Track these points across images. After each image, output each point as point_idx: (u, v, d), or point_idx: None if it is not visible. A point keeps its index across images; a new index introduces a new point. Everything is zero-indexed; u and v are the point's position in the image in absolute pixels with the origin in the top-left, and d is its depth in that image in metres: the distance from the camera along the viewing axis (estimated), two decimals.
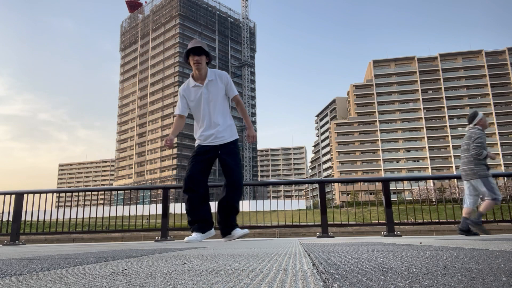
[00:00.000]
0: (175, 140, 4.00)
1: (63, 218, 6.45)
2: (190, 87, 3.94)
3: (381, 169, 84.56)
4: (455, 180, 6.09)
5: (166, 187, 5.76)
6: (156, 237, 5.38)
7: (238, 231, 3.94)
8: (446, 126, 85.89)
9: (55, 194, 6.55)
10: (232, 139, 3.99)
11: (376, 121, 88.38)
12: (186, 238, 3.80)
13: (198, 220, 3.83)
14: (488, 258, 1.12)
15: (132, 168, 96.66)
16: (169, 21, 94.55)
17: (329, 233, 5.07)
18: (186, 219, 6.96)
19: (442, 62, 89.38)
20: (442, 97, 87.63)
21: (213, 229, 3.94)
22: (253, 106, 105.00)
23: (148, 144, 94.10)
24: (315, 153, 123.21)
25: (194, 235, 3.77)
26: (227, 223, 3.92)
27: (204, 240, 3.89)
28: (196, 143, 4.11)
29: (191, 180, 3.81)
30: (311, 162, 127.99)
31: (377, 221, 5.57)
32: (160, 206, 5.85)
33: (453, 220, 5.64)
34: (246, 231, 4.04)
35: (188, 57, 3.83)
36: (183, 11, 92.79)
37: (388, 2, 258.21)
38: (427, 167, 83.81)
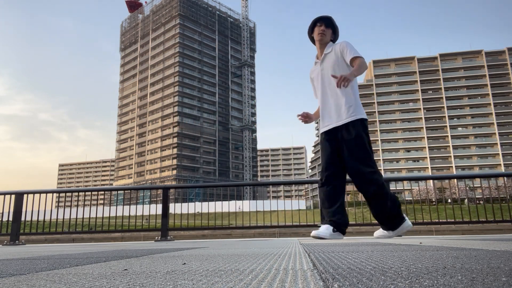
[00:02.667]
0: (311, 118, 3.66)
1: (63, 218, 6.45)
2: (314, 66, 3.57)
3: (381, 169, 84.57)
4: (455, 180, 6.08)
5: (166, 187, 5.76)
6: (156, 237, 5.37)
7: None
8: (446, 126, 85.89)
9: (55, 194, 6.55)
10: (351, 120, 3.30)
11: (376, 121, 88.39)
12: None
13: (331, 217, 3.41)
14: (488, 258, 1.12)
15: (132, 168, 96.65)
16: (169, 21, 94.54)
17: None
18: (186, 219, 6.94)
19: (442, 62, 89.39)
20: (442, 97, 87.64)
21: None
22: (253, 106, 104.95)
23: (148, 144, 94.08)
24: (315, 153, 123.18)
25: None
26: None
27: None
28: (320, 131, 3.66)
29: (323, 174, 3.51)
30: (311, 162, 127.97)
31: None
32: (160, 206, 5.85)
33: (453, 220, 5.64)
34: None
35: (312, 31, 3.45)
36: (183, 11, 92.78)
37: (388, 2, 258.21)
38: (427, 167, 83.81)
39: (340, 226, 3.43)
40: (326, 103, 3.41)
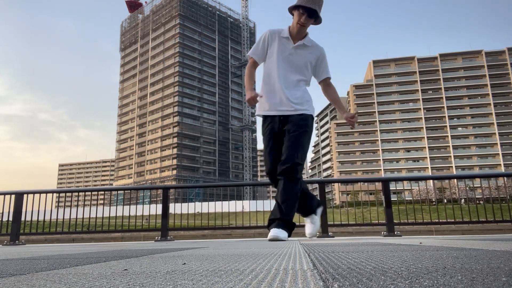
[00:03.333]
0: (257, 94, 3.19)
1: (63, 218, 6.45)
2: (280, 36, 3.23)
3: (381, 169, 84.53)
4: (455, 180, 6.08)
5: (166, 187, 5.75)
6: (156, 237, 5.37)
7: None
8: (446, 126, 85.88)
9: (55, 194, 6.55)
10: (303, 112, 3.15)
11: (376, 121, 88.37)
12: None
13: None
14: (488, 258, 1.12)
15: (132, 168, 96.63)
16: (169, 21, 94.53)
17: (329, 233, 5.07)
18: (186, 219, 6.93)
19: (442, 62, 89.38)
20: (442, 97, 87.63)
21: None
22: (253, 106, 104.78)
23: (148, 144, 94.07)
24: (315, 153, 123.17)
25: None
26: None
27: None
28: (260, 112, 3.30)
29: (273, 164, 3.16)
30: (311, 162, 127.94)
31: (377, 221, 5.57)
32: (160, 206, 5.85)
33: (453, 220, 5.64)
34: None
35: (293, 9, 3.16)
36: (183, 11, 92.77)
37: (388, 2, 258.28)
38: (427, 167, 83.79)
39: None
40: (284, 89, 3.17)
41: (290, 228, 3.09)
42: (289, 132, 3.14)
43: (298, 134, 3.11)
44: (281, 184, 3.12)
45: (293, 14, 3.19)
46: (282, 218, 3.03)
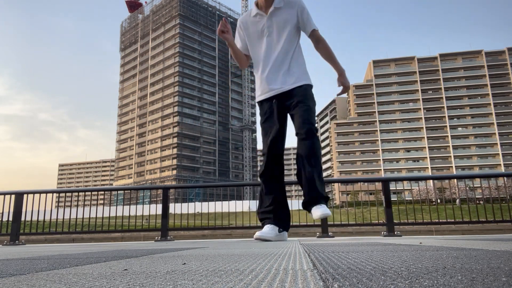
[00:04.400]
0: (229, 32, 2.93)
1: (63, 218, 6.45)
2: (251, 17, 3.04)
3: (381, 169, 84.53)
4: (455, 180, 6.07)
5: (166, 187, 5.75)
6: (156, 237, 5.37)
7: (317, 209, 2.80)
8: (446, 126, 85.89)
9: (55, 194, 6.55)
10: (301, 83, 2.95)
11: (376, 121, 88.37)
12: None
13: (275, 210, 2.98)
14: (488, 258, 1.12)
15: (132, 168, 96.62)
16: (169, 21, 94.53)
17: (329, 233, 5.07)
18: (186, 219, 6.92)
19: (442, 62, 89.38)
20: (442, 97, 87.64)
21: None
22: (253, 106, 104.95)
23: (148, 144, 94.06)
24: None
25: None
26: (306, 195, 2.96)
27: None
28: (258, 98, 3.14)
29: (272, 152, 3.00)
30: None
31: (377, 221, 5.57)
32: (160, 206, 5.85)
33: (453, 220, 5.64)
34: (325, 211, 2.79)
35: None
36: (183, 11, 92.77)
37: (388, 2, 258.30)
38: (427, 167, 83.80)
39: (286, 223, 3.13)
40: (274, 65, 2.98)
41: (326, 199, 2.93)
42: (296, 105, 2.95)
43: (305, 104, 2.93)
44: (305, 143, 2.92)
45: None
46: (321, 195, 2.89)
